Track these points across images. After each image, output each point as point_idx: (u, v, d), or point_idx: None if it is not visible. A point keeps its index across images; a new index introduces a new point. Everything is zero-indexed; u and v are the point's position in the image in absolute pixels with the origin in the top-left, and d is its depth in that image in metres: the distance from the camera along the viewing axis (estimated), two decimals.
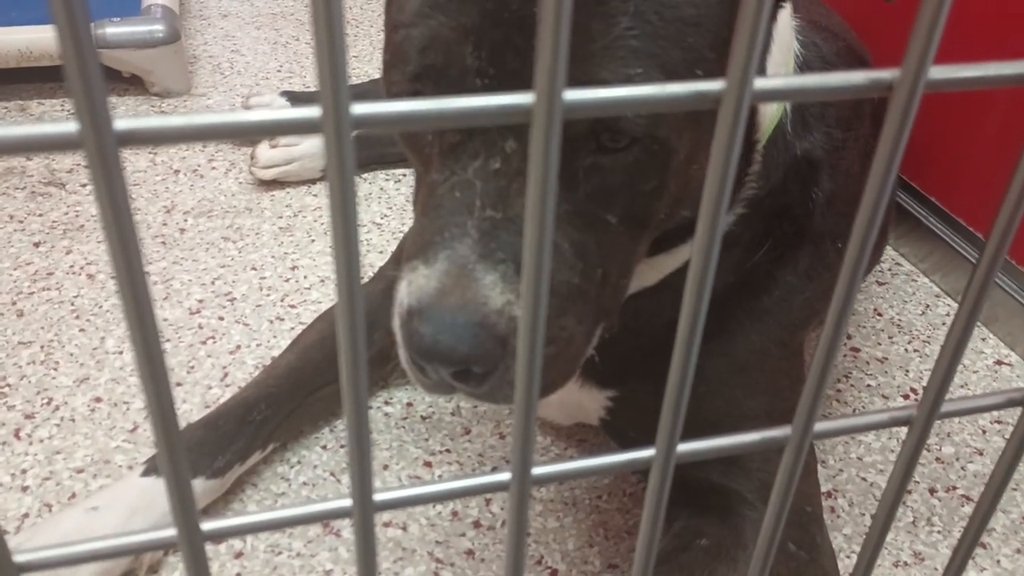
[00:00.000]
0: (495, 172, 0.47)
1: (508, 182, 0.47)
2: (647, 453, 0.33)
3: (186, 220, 1.12)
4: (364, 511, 0.30)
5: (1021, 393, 0.38)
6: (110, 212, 0.24)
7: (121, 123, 0.22)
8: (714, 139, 0.26)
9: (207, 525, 0.30)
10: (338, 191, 0.23)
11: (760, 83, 0.26)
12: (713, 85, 0.26)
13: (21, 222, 1.09)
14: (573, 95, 0.25)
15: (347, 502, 0.30)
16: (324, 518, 0.31)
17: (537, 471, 0.31)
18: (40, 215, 1.11)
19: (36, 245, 1.05)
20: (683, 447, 0.33)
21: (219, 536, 0.31)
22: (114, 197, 0.24)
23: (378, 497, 0.30)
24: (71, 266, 1.02)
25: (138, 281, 0.24)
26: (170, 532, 0.30)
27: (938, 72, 0.28)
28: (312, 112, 0.23)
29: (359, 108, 0.23)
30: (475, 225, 0.46)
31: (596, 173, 0.48)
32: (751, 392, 0.67)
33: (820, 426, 0.35)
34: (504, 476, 0.31)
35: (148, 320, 0.24)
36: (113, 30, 1.35)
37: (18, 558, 0.28)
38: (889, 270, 1.10)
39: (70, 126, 0.22)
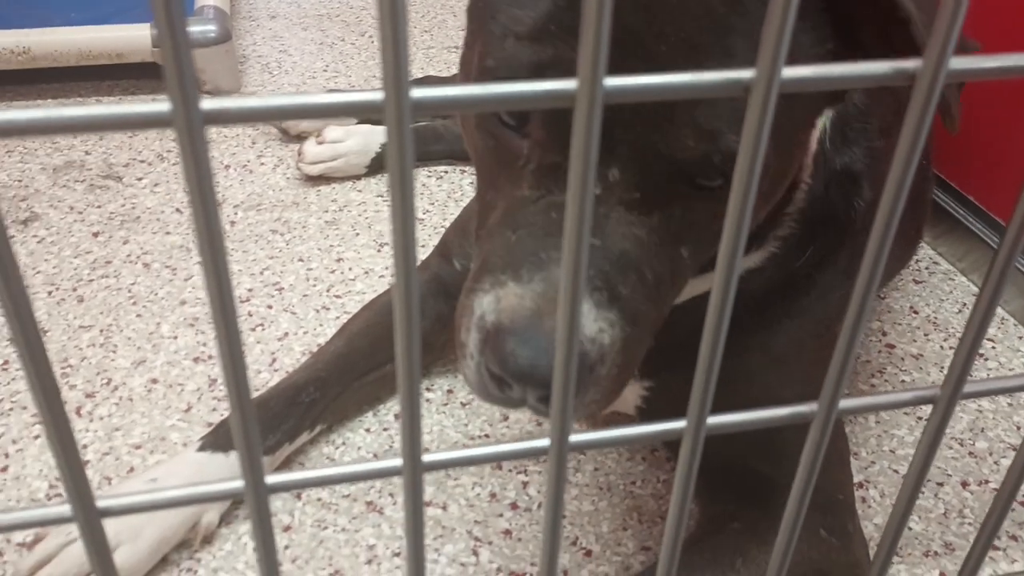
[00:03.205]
0: (595, 198, 0.47)
1: (608, 210, 0.47)
2: (679, 424, 0.35)
3: (236, 213, 1.16)
4: (414, 470, 0.33)
5: None
6: (195, 182, 0.26)
7: (207, 103, 0.25)
8: (744, 126, 0.28)
9: (271, 478, 0.33)
10: (397, 170, 0.26)
11: (788, 72, 0.28)
12: (744, 73, 0.28)
13: (80, 213, 1.14)
14: (613, 82, 0.27)
15: (398, 461, 0.33)
16: (377, 476, 0.33)
17: (575, 438, 0.33)
18: (99, 207, 1.15)
19: (95, 235, 1.10)
20: (713, 420, 0.35)
21: (282, 488, 0.33)
22: (199, 170, 0.26)
23: (426, 458, 0.33)
24: (128, 255, 1.06)
25: (216, 242, 0.26)
26: (238, 483, 0.33)
27: (959, 63, 0.29)
28: (375, 95, 0.25)
29: (417, 92, 0.25)
30: None
31: (688, 210, 0.49)
32: (787, 382, 0.69)
33: (846, 403, 0.37)
34: (543, 442, 0.33)
35: (224, 275, 0.27)
36: None
37: (101, 503, 0.31)
38: (926, 268, 1.10)
39: (162, 106, 0.25)
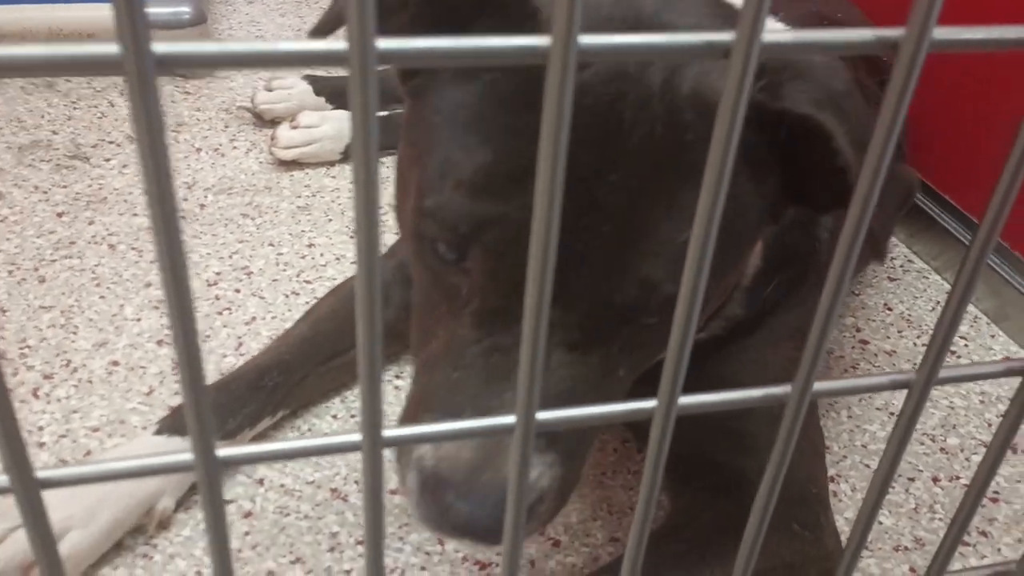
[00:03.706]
0: None
1: (548, 350, 0.47)
2: (650, 404, 0.34)
3: (207, 196, 1.13)
4: (373, 445, 0.31)
5: (1021, 363, 0.39)
6: (147, 136, 0.25)
7: (160, 46, 0.23)
8: (724, 93, 0.27)
9: (223, 451, 0.31)
10: (362, 129, 0.24)
11: (769, 36, 0.27)
12: (723, 36, 0.27)
13: (45, 193, 1.11)
14: (588, 39, 0.26)
15: (356, 437, 0.31)
16: (334, 451, 0.32)
17: (541, 416, 0.32)
18: (64, 187, 1.13)
19: (59, 215, 1.07)
20: (685, 400, 0.34)
21: (234, 462, 0.32)
22: (151, 121, 0.24)
23: (387, 433, 0.31)
24: (93, 236, 1.04)
25: (168, 199, 0.25)
26: (187, 456, 0.32)
27: (943, 33, 0.28)
28: (339, 45, 0.24)
29: (384, 43, 0.24)
30: (513, 397, 0.44)
31: (626, 342, 0.49)
32: (760, 381, 0.68)
33: (820, 385, 0.36)
34: (510, 419, 0.32)
35: (175, 236, 0.25)
36: None
37: (40, 474, 0.29)
38: (901, 266, 1.10)
39: (111, 47, 0.23)
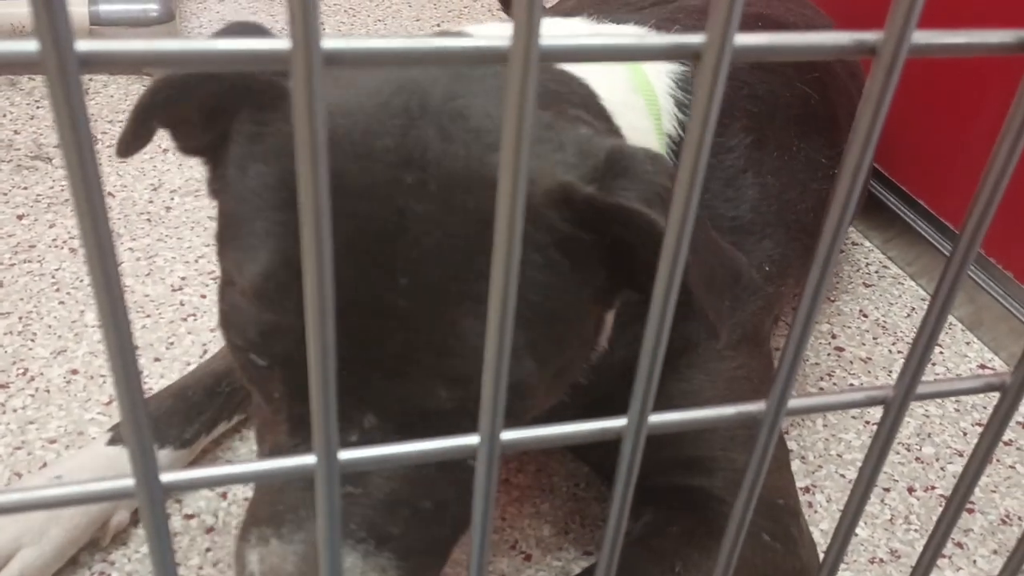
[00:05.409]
0: (351, 446, 0.45)
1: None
2: (619, 422, 0.32)
3: (172, 198, 1.11)
4: (329, 470, 0.30)
5: (1000, 378, 0.38)
6: (72, 142, 0.23)
7: (83, 44, 0.21)
8: (694, 97, 0.26)
9: (166, 477, 0.29)
10: (307, 131, 0.22)
11: (740, 39, 0.26)
12: (694, 38, 0.25)
13: (5, 195, 1.08)
14: (550, 42, 0.24)
15: (311, 459, 0.29)
16: (286, 476, 0.30)
17: (506, 436, 0.30)
18: (25, 188, 1.10)
19: (19, 218, 1.04)
20: (655, 418, 0.32)
21: (178, 488, 0.30)
22: (76, 126, 0.23)
23: (343, 456, 0.29)
24: (54, 239, 1.01)
25: (99, 211, 0.23)
26: (128, 482, 0.30)
27: (922, 36, 0.27)
28: (282, 44, 0.22)
29: (330, 43, 0.22)
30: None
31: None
32: (713, 394, 0.66)
33: (795, 402, 0.35)
34: (473, 439, 0.30)
35: (108, 251, 0.23)
36: (107, 7, 1.34)
37: None
38: (876, 272, 1.10)
39: (30, 44, 0.21)
